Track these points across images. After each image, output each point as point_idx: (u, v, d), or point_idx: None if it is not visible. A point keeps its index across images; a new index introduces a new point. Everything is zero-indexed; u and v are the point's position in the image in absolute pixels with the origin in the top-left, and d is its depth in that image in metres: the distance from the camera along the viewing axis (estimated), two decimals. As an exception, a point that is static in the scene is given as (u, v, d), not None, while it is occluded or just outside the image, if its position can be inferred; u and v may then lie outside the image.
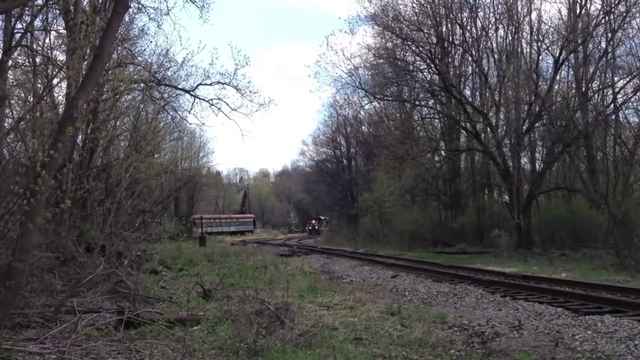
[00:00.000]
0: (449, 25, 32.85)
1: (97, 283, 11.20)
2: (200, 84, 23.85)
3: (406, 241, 35.39)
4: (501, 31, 30.88)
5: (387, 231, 42.10)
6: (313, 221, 77.62)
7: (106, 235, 13.98)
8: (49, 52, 15.91)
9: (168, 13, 23.64)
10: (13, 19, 14.61)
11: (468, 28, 30.81)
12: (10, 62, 14.78)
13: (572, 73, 28.29)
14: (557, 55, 26.66)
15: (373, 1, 37.21)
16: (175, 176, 36.77)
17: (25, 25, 15.40)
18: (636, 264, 17.71)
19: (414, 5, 31.10)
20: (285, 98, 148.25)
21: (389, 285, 15.91)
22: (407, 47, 32.39)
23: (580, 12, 26.59)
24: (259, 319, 8.39)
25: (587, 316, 9.52)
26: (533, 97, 27.17)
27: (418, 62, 33.14)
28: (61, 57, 16.28)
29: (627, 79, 25.28)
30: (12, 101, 15.06)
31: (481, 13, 30.61)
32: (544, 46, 27.90)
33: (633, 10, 24.51)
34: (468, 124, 30.67)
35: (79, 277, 10.95)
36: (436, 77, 32.10)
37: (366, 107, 44.49)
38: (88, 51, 13.15)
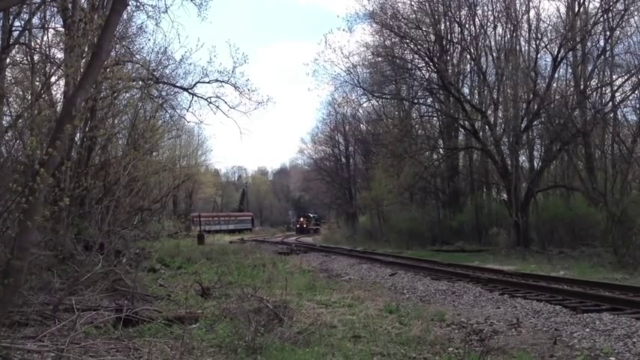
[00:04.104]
0: (447, 23, 32.90)
1: (96, 281, 11.21)
2: (198, 82, 23.92)
3: (404, 239, 35.42)
4: (500, 29, 30.96)
5: (386, 229, 42.13)
6: (301, 219, 77.42)
7: (104, 233, 13.99)
8: (47, 49, 15.89)
9: (166, 11, 23.76)
10: (11, 17, 14.62)
11: (467, 26, 30.80)
12: (8, 60, 14.77)
13: (570, 71, 28.30)
14: (556, 53, 26.66)
15: (371, -1, 37.33)
16: (174, 174, 36.73)
17: (23, 22, 15.41)
18: (634, 262, 17.73)
19: (413, 3, 31.18)
20: (284, 96, 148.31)
21: (387, 283, 15.92)
22: (405, 45, 32.38)
23: (578, 10, 26.60)
24: (258, 317, 8.39)
25: (585, 314, 9.53)
26: (531, 95, 27.16)
27: (416, 60, 33.18)
28: (59, 55, 16.27)
29: (625, 77, 25.31)
30: (10, 99, 15.02)
31: (479, 11, 30.65)
32: (542, 44, 27.97)
33: (631, 8, 24.52)
34: (467, 122, 30.66)
35: (77, 275, 10.95)
36: (434, 75, 32.13)
37: (365, 105, 44.48)
38: (86, 49, 13.13)
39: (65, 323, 7.98)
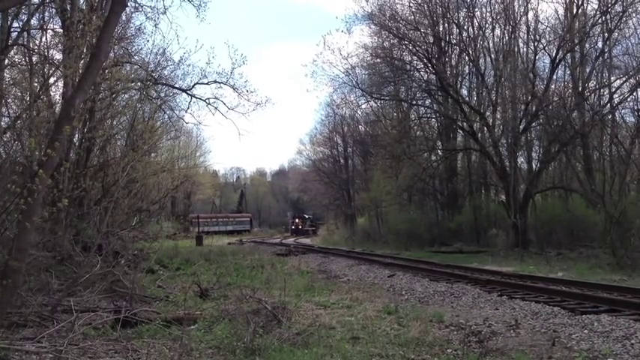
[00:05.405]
0: (446, 25, 32.91)
1: (94, 282, 11.21)
2: (197, 83, 23.86)
3: (403, 240, 35.41)
4: (498, 31, 30.97)
5: (384, 230, 42.15)
6: (297, 220, 77.45)
7: (102, 234, 14.00)
8: (46, 51, 15.91)
9: (165, 12, 23.74)
10: (10, 18, 14.62)
11: (465, 27, 30.85)
12: (6, 61, 14.77)
13: (568, 72, 28.30)
14: (554, 54, 26.73)
15: (370, 0, 37.37)
16: (172, 175, 36.71)
17: (21, 23, 15.42)
18: (632, 263, 17.74)
19: (411, 4, 31.21)
20: (283, 97, 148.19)
21: (386, 284, 15.91)
22: (404, 47, 32.39)
23: (577, 12, 26.63)
24: (256, 318, 8.39)
25: (583, 316, 9.53)
26: (529, 97, 27.21)
27: (415, 62, 33.13)
28: (58, 56, 16.30)
29: (624, 78, 25.32)
30: (9, 100, 15.03)
31: (478, 13, 30.68)
32: (541, 46, 28.02)
33: (630, 9, 24.59)
34: (465, 123, 30.70)
35: (75, 276, 10.95)
36: (433, 77, 32.13)
37: (363, 106, 44.48)
38: (84, 50, 13.15)
39: (63, 324, 7.98)
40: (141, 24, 37.88)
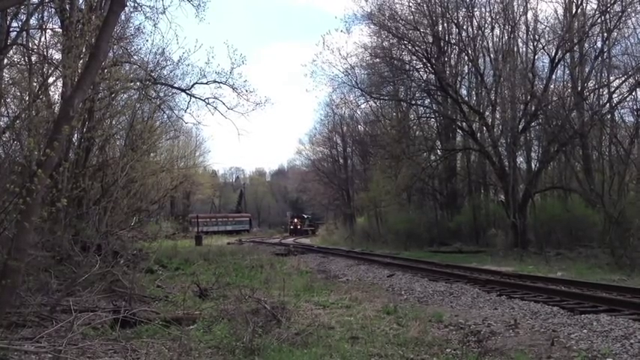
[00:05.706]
0: (445, 25, 32.94)
1: (93, 282, 11.20)
2: (196, 83, 23.87)
3: (402, 240, 35.43)
4: (497, 31, 31.02)
5: (383, 230, 42.16)
6: (295, 220, 77.46)
7: (101, 234, 14.01)
8: (45, 50, 15.89)
9: (164, 12, 23.59)
10: (9, 18, 14.61)
11: (464, 27, 30.87)
12: (5, 61, 14.76)
13: (568, 72, 28.35)
14: (553, 54, 26.75)
15: (369, 0, 37.40)
16: (171, 175, 36.66)
17: (20, 23, 15.39)
18: (631, 263, 17.75)
19: (411, 4, 31.25)
20: (282, 97, 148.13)
21: (385, 284, 15.92)
22: (403, 46, 32.44)
23: (576, 11, 26.66)
24: (255, 318, 8.39)
25: (582, 315, 9.54)
26: (529, 97, 27.24)
27: (414, 61, 33.16)
28: (57, 56, 16.27)
29: (623, 78, 25.36)
30: (8, 100, 15.02)
31: (477, 13, 30.75)
32: (540, 46, 28.06)
33: (629, 9, 24.63)
34: (464, 123, 30.73)
35: (74, 276, 10.95)
36: (432, 76, 32.16)
37: (363, 106, 44.50)
38: (83, 50, 13.13)
39: (63, 324, 7.97)
40: (140, 24, 37.93)
